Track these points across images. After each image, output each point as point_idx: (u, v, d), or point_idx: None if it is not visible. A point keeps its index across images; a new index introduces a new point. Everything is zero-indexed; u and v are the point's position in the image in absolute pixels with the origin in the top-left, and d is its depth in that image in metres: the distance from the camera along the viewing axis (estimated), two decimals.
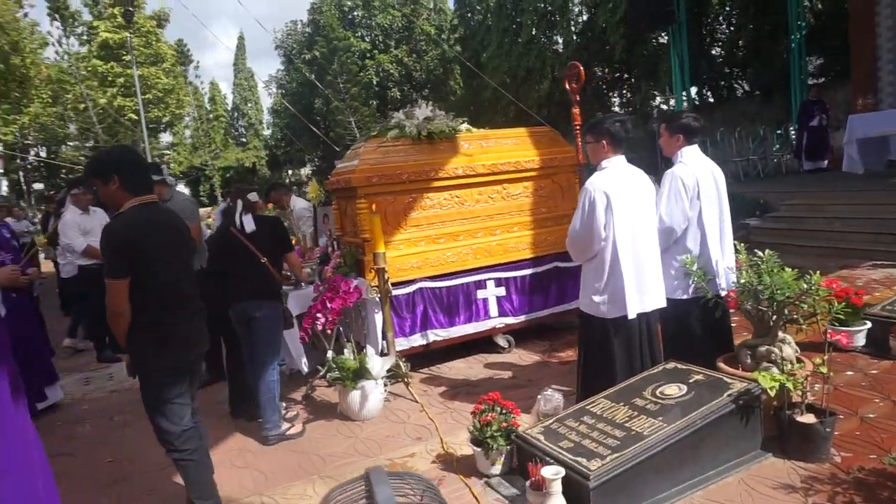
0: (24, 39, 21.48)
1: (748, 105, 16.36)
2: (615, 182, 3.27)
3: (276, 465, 3.46)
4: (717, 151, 13.05)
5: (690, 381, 3.15)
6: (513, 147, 5.17)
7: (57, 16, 25.46)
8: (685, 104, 13.95)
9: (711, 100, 18.61)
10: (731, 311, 3.52)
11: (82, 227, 5.58)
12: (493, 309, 5.03)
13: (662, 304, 3.42)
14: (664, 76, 16.92)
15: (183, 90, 29.04)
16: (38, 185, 33.33)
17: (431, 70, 29.84)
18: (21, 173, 29.12)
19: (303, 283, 4.47)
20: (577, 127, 4.29)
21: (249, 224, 3.76)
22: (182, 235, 2.83)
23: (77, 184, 5.72)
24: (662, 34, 17.18)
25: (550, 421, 3.06)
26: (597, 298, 3.35)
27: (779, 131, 13.41)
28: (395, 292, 4.59)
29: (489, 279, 5.01)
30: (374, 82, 29.28)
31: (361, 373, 3.93)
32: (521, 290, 5.13)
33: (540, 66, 22.24)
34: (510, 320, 5.09)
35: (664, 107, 21.01)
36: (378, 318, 4.50)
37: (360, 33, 30.21)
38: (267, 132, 45.88)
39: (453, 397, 4.27)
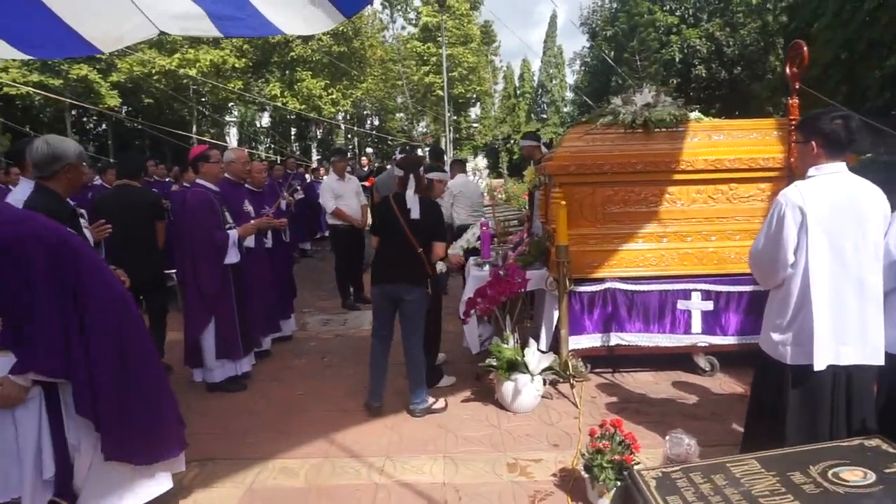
0: (365, 25, 25.38)
1: None
2: (820, 196, 2.56)
3: (415, 434, 3.66)
4: None
5: (887, 470, 2.36)
6: (750, 142, 4.38)
7: (387, 3, 29.53)
8: None
9: None
10: None
11: (335, 192, 6.51)
12: (697, 324, 4.42)
13: (876, 360, 2.61)
14: None
15: (485, 68, 31.12)
16: (369, 150, 39.65)
17: (747, 45, 26.52)
18: (356, 139, 34.85)
19: (486, 266, 4.54)
20: (793, 122, 3.45)
21: (415, 211, 3.76)
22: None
23: (336, 153, 6.67)
24: None
25: (675, 468, 2.61)
26: (777, 337, 2.71)
27: None
28: (581, 289, 4.38)
29: (695, 290, 4.40)
30: (677, 59, 27.27)
31: (516, 365, 3.87)
32: (736, 309, 4.40)
33: (889, 39, 18.02)
34: (716, 340, 4.42)
35: None
36: (554, 312, 4.34)
37: (668, 6, 28.30)
38: (566, 109, 46.58)
39: (620, 411, 3.93)
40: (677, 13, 28.70)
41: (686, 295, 4.43)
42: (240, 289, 4.47)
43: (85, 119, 30.61)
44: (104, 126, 29.80)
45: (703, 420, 3.75)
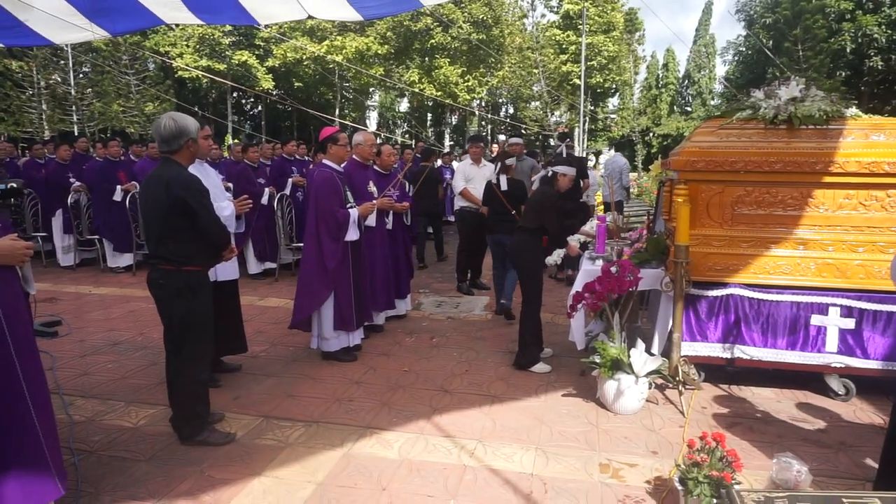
0: (505, 13, 25.32)
1: None
2: None
3: (510, 423, 3.66)
4: None
5: None
6: None
7: None
8: None
9: None
10: None
11: (467, 175, 6.71)
12: (832, 342, 4.00)
13: None
14: None
15: (626, 58, 29.83)
16: (502, 137, 39.74)
17: None
18: (489, 126, 35.02)
19: (599, 261, 4.41)
20: None
21: (504, 184, 5.81)
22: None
23: (473, 139, 6.96)
24: None
25: (780, 494, 2.40)
26: None
27: None
28: (700, 292, 4.13)
29: (833, 305, 3.98)
30: (848, 49, 24.45)
31: (620, 365, 3.74)
32: (882, 330, 3.92)
33: None
34: (854, 362, 3.97)
35: None
36: (669, 314, 4.13)
37: None
38: (713, 102, 43.53)
39: (730, 425, 3.67)
40: None
41: (822, 309, 4.02)
42: (357, 265, 4.70)
43: (243, 101, 33.44)
44: (259, 108, 32.39)
45: (828, 448, 3.40)
